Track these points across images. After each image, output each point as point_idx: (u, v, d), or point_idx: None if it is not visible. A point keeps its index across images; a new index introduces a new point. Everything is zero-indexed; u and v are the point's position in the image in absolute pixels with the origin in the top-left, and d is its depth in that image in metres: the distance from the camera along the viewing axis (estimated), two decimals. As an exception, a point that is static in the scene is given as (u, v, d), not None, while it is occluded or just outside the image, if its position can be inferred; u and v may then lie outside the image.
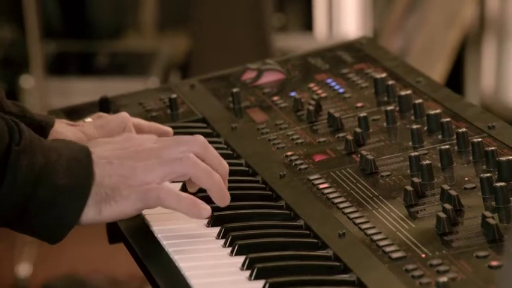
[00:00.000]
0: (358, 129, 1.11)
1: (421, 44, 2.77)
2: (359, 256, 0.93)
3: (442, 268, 0.89)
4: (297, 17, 3.34)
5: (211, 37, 2.74)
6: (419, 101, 1.14)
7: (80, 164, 0.97)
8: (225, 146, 1.17)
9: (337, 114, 1.16)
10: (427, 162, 1.02)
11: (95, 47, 3.10)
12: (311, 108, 1.18)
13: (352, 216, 0.99)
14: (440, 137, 1.09)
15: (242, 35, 2.72)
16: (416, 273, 0.89)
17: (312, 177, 1.06)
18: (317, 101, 1.20)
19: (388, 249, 0.93)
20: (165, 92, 1.30)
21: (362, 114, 1.14)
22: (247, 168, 1.11)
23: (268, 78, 1.29)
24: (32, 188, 0.95)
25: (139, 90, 1.34)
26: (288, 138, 1.15)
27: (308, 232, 0.99)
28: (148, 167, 0.98)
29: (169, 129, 1.18)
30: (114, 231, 1.05)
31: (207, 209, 0.99)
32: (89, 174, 0.96)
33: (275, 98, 1.25)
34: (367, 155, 1.06)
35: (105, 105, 1.27)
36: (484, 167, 1.02)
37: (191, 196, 0.99)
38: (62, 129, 1.12)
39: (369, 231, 0.96)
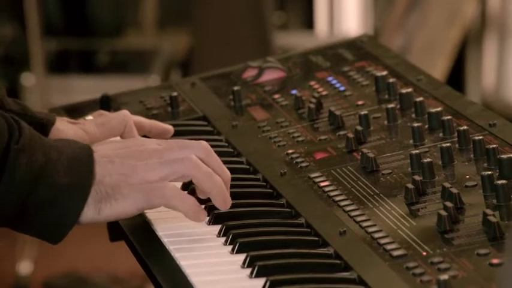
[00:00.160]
0: (359, 127, 1.11)
1: (422, 42, 2.77)
2: (360, 254, 0.93)
3: (443, 266, 0.89)
4: (298, 15, 3.34)
5: (212, 35, 2.74)
6: (420, 99, 1.14)
7: (81, 163, 0.96)
8: (226, 144, 1.17)
9: (338, 112, 1.16)
10: (428, 160, 1.02)
11: (96, 45, 3.10)
12: (312, 106, 1.18)
13: (353, 214, 0.99)
14: (441, 135, 1.09)
15: (243, 33, 2.72)
16: (417, 271, 0.89)
17: (312, 175, 1.06)
18: (318, 99, 1.20)
19: (389, 247, 0.93)
20: (166, 90, 1.30)
21: (363, 112, 1.14)
22: (248, 166, 1.11)
23: (269, 76, 1.29)
24: (31, 187, 0.94)
25: (140, 88, 1.34)
26: (288, 136, 1.15)
27: (309, 230, 0.99)
28: (149, 166, 0.97)
29: (170, 127, 1.18)
30: (115, 229, 1.05)
31: (205, 213, 0.99)
32: (90, 173, 0.96)
33: (276, 96, 1.25)
34: (368, 153, 1.06)
35: (106, 103, 1.27)
36: (485, 164, 1.02)
37: (193, 197, 0.99)
38: (63, 127, 1.12)
39: (370, 229, 0.96)
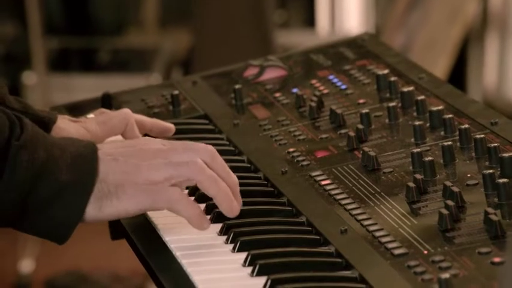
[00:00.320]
0: (360, 126, 1.11)
1: (423, 40, 2.77)
2: (361, 252, 0.93)
3: (444, 264, 0.89)
4: (299, 13, 3.33)
5: (213, 33, 2.74)
6: (422, 97, 1.14)
7: (84, 160, 0.95)
8: (227, 143, 1.17)
9: (339, 111, 1.16)
10: (430, 158, 1.02)
11: (97, 44, 3.10)
12: (313, 104, 1.18)
13: (354, 212, 0.98)
14: (442, 133, 1.09)
15: (244, 31, 2.72)
16: (419, 269, 0.89)
17: (314, 174, 1.06)
18: (319, 98, 1.20)
19: (390, 245, 0.93)
20: (167, 89, 1.30)
21: (364, 111, 1.14)
22: (249, 165, 1.11)
23: (270, 74, 1.29)
24: (33, 184, 0.94)
25: (141, 87, 1.34)
26: (290, 134, 1.15)
27: (310, 228, 0.99)
28: (154, 166, 0.97)
29: (172, 126, 1.18)
30: (117, 227, 1.05)
31: (208, 222, 0.98)
32: (93, 170, 0.95)
33: (277, 95, 1.25)
34: (369, 151, 1.06)
35: (107, 102, 1.27)
36: (487, 163, 1.02)
37: (198, 205, 0.98)
38: (65, 125, 1.12)
39: (371, 228, 0.96)
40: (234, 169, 1.05)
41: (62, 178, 0.94)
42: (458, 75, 2.89)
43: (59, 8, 3.15)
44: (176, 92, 1.26)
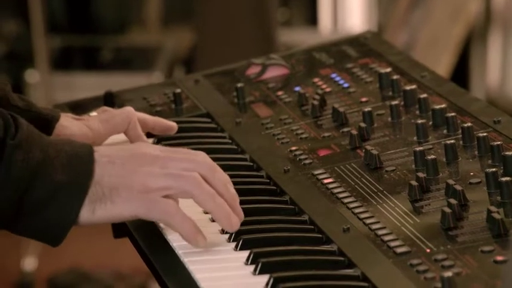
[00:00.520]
0: (362, 124, 1.11)
1: (426, 38, 2.76)
2: (363, 251, 0.93)
3: (446, 263, 0.89)
4: (302, 12, 3.33)
5: (216, 32, 2.74)
6: (424, 95, 1.14)
7: (80, 161, 0.94)
8: (230, 141, 1.17)
9: (341, 109, 1.16)
10: (432, 157, 1.02)
11: (100, 42, 3.10)
12: (315, 103, 1.18)
13: (356, 211, 0.98)
14: (445, 131, 1.09)
15: (246, 29, 2.71)
16: (421, 268, 0.89)
17: (316, 172, 1.06)
18: (321, 96, 1.20)
19: (392, 244, 0.92)
20: (169, 87, 1.30)
21: (367, 109, 1.14)
22: (251, 163, 1.11)
23: (272, 73, 1.29)
24: (28, 184, 0.92)
25: (144, 85, 1.34)
26: (292, 133, 1.15)
27: (312, 227, 0.99)
28: (152, 174, 0.95)
29: (174, 124, 1.18)
30: (119, 225, 1.05)
31: (204, 238, 0.95)
32: (89, 171, 0.94)
33: (279, 93, 1.25)
34: (372, 149, 1.06)
35: (110, 100, 1.27)
36: (490, 161, 1.02)
37: (193, 221, 0.96)
38: (68, 123, 1.12)
39: (374, 226, 0.96)
40: (236, 168, 1.05)
41: (57, 178, 0.93)
42: (461, 73, 2.89)
43: (62, 7, 3.15)
44: (178, 90, 1.26)
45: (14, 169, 0.92)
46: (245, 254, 0.94)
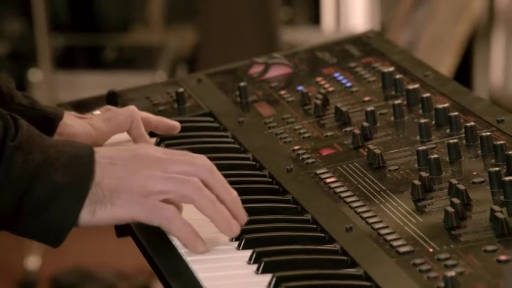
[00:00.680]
0: (365, 124, 1.11)
1: (429, 37, 2.76)
2: (366, 250, 0.93)
3: (450, 262, 0.89)
4: (304, 11, 3.33)
5: (219, 31, 2.74)
6: (427, 94, 1.14)
7: (81, 162, 0.93)
8: (232, 140, 1.17)
9: (344, 108, 1.16)
10: (435, 156, 1.02)
11: (103, 41, 3.10)
12: (318, 102, 1.18)
13: (359, 210, 0.98)
14: (448, 131, 1.09)
15: (249, 28, 2.71)
16: (424, 267, 0.89)
17: (319, 172, 1.06)
18: (324, 95, 1.20)
19: (395, 243, 0.92)
20: (172, 86, 1.30)
21: (369, 108, 1.14)
22: (254, 163, 1.11)
23: (275, 72, 1.29)
24: (28, 185, 0.92)
25: (147, 84, 1.34)
26: (295, 132, 1.15)
27: (315, 226, 0.99)
28: (152, 177, 0.94)
29: (177, 124, 1.18)
30: (122, 224, 1.05)
31: (203, 244, 0.95)
32: (89, 172, 0.93)
33: (282, 92, 1.24)
34: (375, 149, 1.06)
35: (113, 99, 1.27)
36: (493, 161, 1.02)
37: (192, 226, 0.95)
38: (71, 121, 1.12)
39: (376, 226, 0.95)
40: (239, 167, 1.04)
41: (57, 179, 0.92)
42: (464, 72, 2.88)
43: (65, 6, 3.16)
44: (181, 89, 1.26)
45: (14, 170, 0.91)
46: (248, 253, 0.94)
